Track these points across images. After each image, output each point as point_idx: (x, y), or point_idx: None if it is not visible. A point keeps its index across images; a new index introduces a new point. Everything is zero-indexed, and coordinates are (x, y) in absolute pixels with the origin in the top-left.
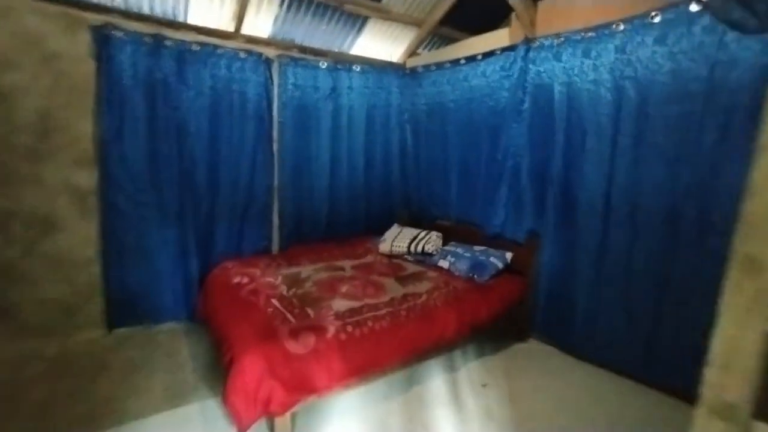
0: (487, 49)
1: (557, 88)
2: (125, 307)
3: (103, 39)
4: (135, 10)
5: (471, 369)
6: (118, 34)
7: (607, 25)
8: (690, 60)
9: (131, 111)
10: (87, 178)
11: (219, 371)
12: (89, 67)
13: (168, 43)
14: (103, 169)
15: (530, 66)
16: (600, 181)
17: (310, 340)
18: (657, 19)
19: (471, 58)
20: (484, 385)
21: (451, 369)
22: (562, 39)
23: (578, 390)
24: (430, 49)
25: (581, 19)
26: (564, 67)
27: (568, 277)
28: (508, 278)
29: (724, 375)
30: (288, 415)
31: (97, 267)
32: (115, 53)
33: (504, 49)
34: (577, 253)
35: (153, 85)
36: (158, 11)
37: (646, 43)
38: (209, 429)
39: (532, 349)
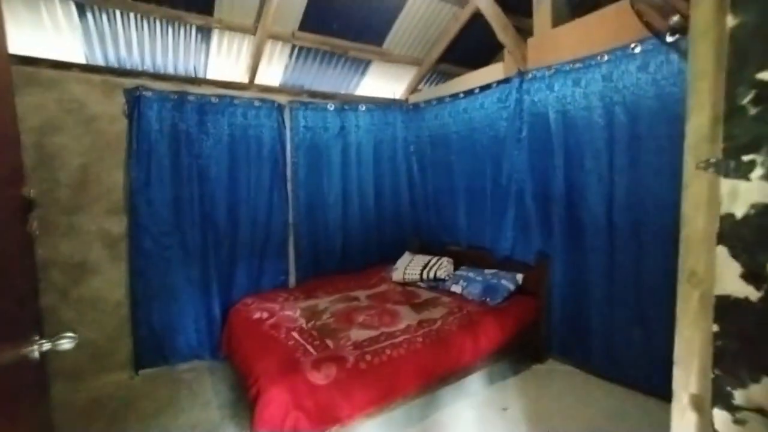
0: (484, 82)
1: (552, 115)
2: (151, 348)
3: (134, 100)
4: (162, 71)
5: (491, 393)
6: (148, 93)
7: (593, 57)
8: (672, 85)
9: (157, 161)
10: (118, 225)
11: (243, 407)
12: (122, 125)
13: (190, 98)
14: (131, 216)
15: (525, 96)
16: (601, 201)
17: (332, 370)
18: (637, 50)
19: (469, 92)
20: (504, 409)
21: (471, 394)
22: (553, 70)
23: (600, 409)
24: (430, 85)
25: (568, 51)
26: (557, 96)
27: (581, 296)
28: (520, 300)
29: (687, 371)
30: None
31: (126, 309)
32: (145, 111)
33: (500, 82)
34: (587, 271)
35: (177, 137)
36: (181, 70)
37: (630, 71)
38: None
39: (551, 369)
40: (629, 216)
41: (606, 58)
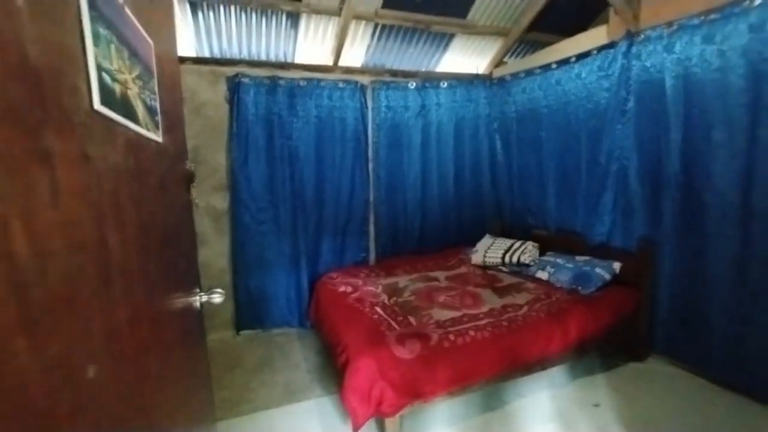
0: (582, 50)
1: (670, 82)
2: (249, 312)
3: (234, 86)
4: (256, 58)
5: (579, 386)
6: (245, 80)
7: (737, 3)
8: None
9: (254, 142)
10: (222, 201)
11: (329, 372)
12: (224, 110)
13: (281, 82)
14: (233, 193)
15: (634, 62)
16: (734, 181)
17: (416, 346)
18: None
19: (563, 62)
20: (596, 405)
21: (557, 385)
22: (675, 27)
23: (719, 421)
24: (517, 57)
25: (699, 1)
26: (678, 58)
27: (699, 291)
28: (617, 290)
29: None
30: (397, 417)
31: (229, 276)
32: (243, 96)
33: (601, 48)
34: (710, 263)
35: (270, 120)
36: (272, 56)
37: None
38: (325, 423)
39: (653, 369)
40: None
41: (758, 2)
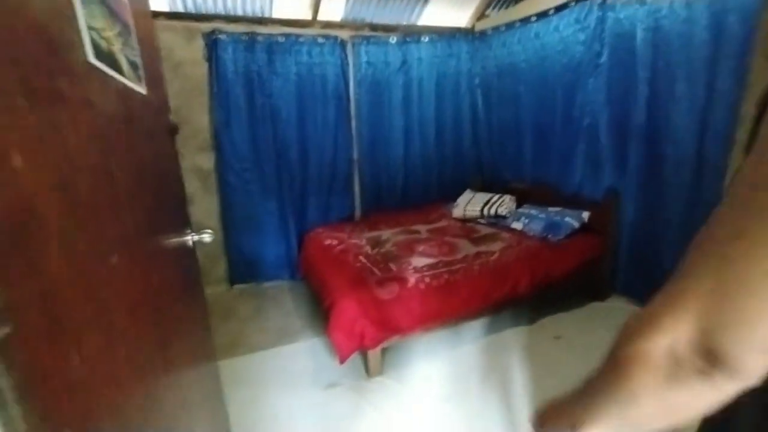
0: (560, 1)
1: (641, 34)
2: (242, 267)
3: (212, 43)
4: (232, 13)
5: (545, 323)
6: (222, 36)
7: None
8: None
9: (235, 102)
10: (207, 161)
11: (318, 317)
12: (203, 69)
13: (259, 38)
14: (218, 153)
15: (608, 14)
16: (693, 132)
17: (394, 288)
18: None
19: (542, 14)
20: (557, 337)
21: (526, 322)
22: None
23: None
24: (500, 9)
25: None
26: (649, 10)
27: (656, 236)
28: (584, 237)
29: None
30: (378, 350)
31: (220, 234)
32: (221, 54)
33: (578, 0)
34: (666, 210)
35: (250, 78)
36: (249, 11)
37: None
38: (316, 360)
39: (612, 307)
40: (728, 148)
41: None
